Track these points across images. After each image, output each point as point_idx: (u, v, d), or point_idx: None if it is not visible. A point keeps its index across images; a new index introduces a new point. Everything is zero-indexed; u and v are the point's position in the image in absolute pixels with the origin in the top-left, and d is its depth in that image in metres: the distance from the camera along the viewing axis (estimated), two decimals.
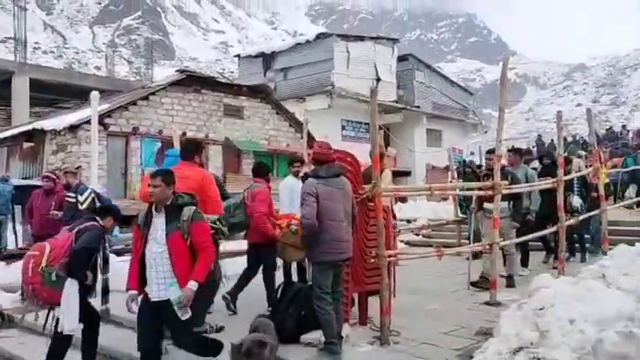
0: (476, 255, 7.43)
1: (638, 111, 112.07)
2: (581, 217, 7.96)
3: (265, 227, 5.40)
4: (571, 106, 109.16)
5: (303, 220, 4.19)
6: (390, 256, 4.81)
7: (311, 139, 16.49)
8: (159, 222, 3.62)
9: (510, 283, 6.69)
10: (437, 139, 25.38)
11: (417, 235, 11.98)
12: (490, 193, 6.06)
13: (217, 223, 4.34)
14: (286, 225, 5.47)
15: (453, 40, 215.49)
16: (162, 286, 3.56)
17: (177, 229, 3.57)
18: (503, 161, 7.18)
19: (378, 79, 21.64)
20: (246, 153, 16.55)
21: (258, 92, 17.36)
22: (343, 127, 21.50)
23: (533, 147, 27.51)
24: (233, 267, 6.65)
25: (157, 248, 3.59)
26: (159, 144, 14.60)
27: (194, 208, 3.68)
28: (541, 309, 3.74)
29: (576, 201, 8.13)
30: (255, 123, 17.12)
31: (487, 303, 5.69)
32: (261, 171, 5.85)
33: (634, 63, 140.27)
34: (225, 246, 6.46)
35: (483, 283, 6.44)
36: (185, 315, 3.54)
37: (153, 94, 15.13)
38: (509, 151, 8.13)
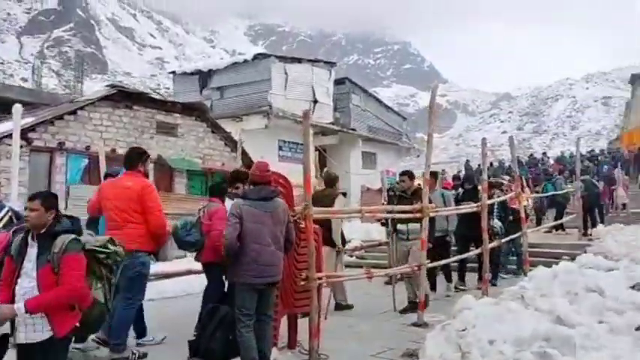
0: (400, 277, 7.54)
1: (558, 139, 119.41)
2: (503, 240, 8.32)
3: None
4: (497, 132, 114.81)
5: (223, 240, 4.18)
6: (320, 278, 4.81)
7: (247, 158, 16.38)
8: (32, 252, 3.08)
9: (407, 310, 6.55)
10: (372, 161, 25.89)
11: (351, 256, 12.07)
12: (403, 216, 6.30)
13: (109, 245, 3.43)
14: None
15: (388, 66, 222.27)
16: (31, 327, 2.99)
17: (47, 262, 3.01)
18: (418, 182, 7.41)
19: (316, 101, 21.88)
20: (180, 172, 16.16)
21: (194, 110, 17.06)
22: (280, 148, 21.49)
23: (459, 171, 28.62)
24: (174, 288, 6.51)
25: (27, 283, 3.03)
26: (86, 160, 14.01)
27: (71, 237, 3.08)
28: (463, 330, 3.86)
29: (496, 224, 8.41)
30: (189, 141, 16.78)
31: (415, 324, 5.79)
32: (218, 191, 5.78)
33: (555, 94, 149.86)
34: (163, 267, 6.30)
35: (412, 308, 6.48)
36: None
37: (81, 108, 14.53)
38: (402, 174, 7.96)
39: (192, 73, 23.09)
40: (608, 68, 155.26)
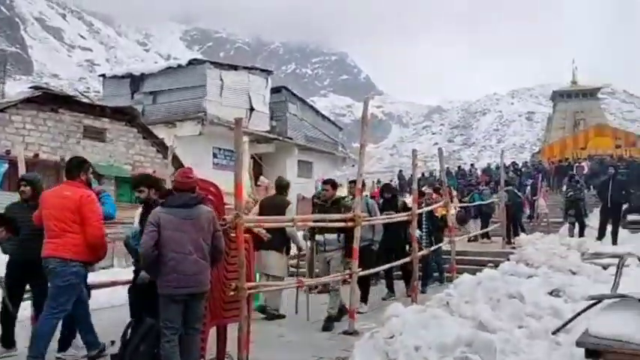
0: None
1: (485, 151, 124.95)
2: (432, 248, 8.55)
3: None
4: (430, 144, 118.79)
5: (139, 250, 4.08)
6: (250, 288, 4.74)
7: (180, 165, 16.00)
8: None
9: (327, 326, 6.20)
10: (308, 170, 26.00)
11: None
12: (322, 224, 6.24)
13: None
14: None
15: (326, 76, 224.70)
16: None
17: None
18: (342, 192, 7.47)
19: (252, 109, 21.74)
20: (108, 178, 15.54)
21: (124, 115, 16.52)
22: (215, 155, 21.17)
23: (391, 181, 29.25)
24: (98, 299, 6.24)
25: None
26: (6, 165, 13.22)
27: None
28: (391, 337, 3.92)
29: (417, 233, 8.36)
30: (118, 147, 16.21)
31: (345, 332, 5.82)
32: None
33: (483, 108, 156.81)
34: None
35: (335, 320, 6.31)
36: None
37: (2, 110, 13.74)
38: (350, 182, 7.94)
39: (123, 77, 22.34)
40: (532, 84, 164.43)
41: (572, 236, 11.73)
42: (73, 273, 4.58)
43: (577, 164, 23.16)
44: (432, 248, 8.67)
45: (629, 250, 5.71)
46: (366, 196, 7.96)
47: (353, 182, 7.66)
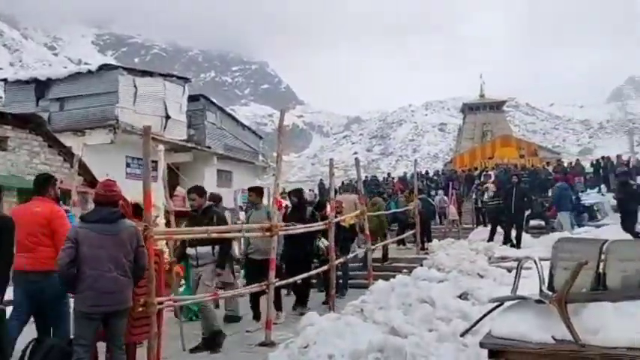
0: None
1: (402, 160, 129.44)
2: (350, 256, 8.66)
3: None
4: (349, 153, 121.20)
5: (56, 267, 3.95)
6: (160, 303, 4.56)
7: (90, 175, 15.19)
8: None
9: (210, 344, 5.66)
10: (228, 179, 25.60)
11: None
12: (191, 236, 5.76)
13: None
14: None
15: (246, 85, 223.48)
16: None
17: None
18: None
19: (168, 117, 21.09)
20: (9, 189, 14.43)
21: (27, 122, 15.42)
22: (128, 165, 20.28)
23: (310, 190, 29.63)
24: None
25: None
26: None
27: None
28: (305, 347, 3.91)
29: (323, 243, 8.14)
30: (21, 156, 15.10)
31: (262, 344, 5.75)
32: (138, 211, 5.54)
33: (399, 119, 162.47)
34: None
35: (205, 345, 5.71)
36: None
37: None
38: (250, 190, 7.63)
39: (27, 82, 20.91)
40: (444, 97, 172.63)
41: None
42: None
43: (485, 173, 24.45)
44: (351, 255, 8.76)
45: (527, 254, 6.08)
46: (267, 204, 7.47)
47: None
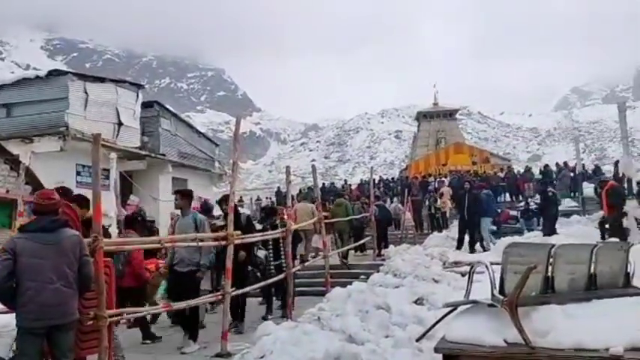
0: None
1: (359, 167, 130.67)
2: (295, 269, 8.55)
3: (143, 271, 6.46)
4: (307, 161, 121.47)
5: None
6: (112, 316, 4.41)
7: (38, 184, 14.61)
8: None
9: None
10: (183, 187, 25.14)
11: None
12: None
13: None
14: (155, 268, 6.45)
15: (202, 91, 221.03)
16: None
17: None
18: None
19: (120, 124, 20.56)
20: None
21: None
22: (79, 173, 19.62)
23: (267, 198, 29.53)
24: None
25: None
26: None
27: None
28: (262, 357, 3.86)
29: (261, 254, 7.85)
30: None
31: (218, 355, 5.65)
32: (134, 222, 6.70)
33: (356, 126, 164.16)
34: None
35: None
36: None
37: None
38: (176, 192, 6.99)
39: None
40: (399, 105, 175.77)
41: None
42: None
43: (439, 180, 24.94)
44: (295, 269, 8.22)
45: (480, 259, 6.23)
46: (195, 212, 6.84)
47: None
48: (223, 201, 7.45)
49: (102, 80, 20.94)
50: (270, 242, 8.05)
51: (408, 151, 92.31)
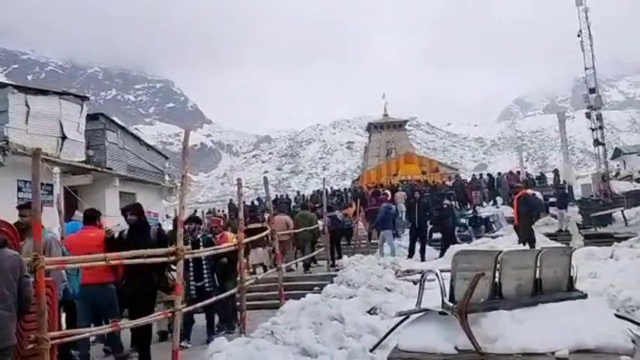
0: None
1: (312, 178, 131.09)
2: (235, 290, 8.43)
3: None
4: (260, 172, 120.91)
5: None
6: (54, 338, 4.19)
7: None
8: None
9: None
10: (131, 202, 24.40)
11: None
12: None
13: None
14: None
15: (151, 103, 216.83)
16: None
17: None
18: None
19: (64, 137, 19.84)
20: None
21: None
22: (20, 189, 18.77)
23: (220, 211, 29.18)
24: None
25: None
26: None
27: None
28: None
29: (172, 275, 6.61)
30: None
31: None
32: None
33: (309, 138, 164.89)
34: None
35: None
36: None
37: None
38: (21, 207, 5.77)
39: None
40: (351, 116, 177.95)
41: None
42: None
43: (382, 191, 25.23)
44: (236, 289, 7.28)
45: (430, 267, 6.34)
46: (45, 229, 5.38)
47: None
48: (127, 210, 6.42)
49: (44, 92, 20.19)
50: (191, 261, 7.05)
51: (360, 161, 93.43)
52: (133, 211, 6.39)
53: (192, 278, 7.21)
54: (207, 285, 7.22)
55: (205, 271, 7.26)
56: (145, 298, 5.88)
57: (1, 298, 3.60)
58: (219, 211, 29.86)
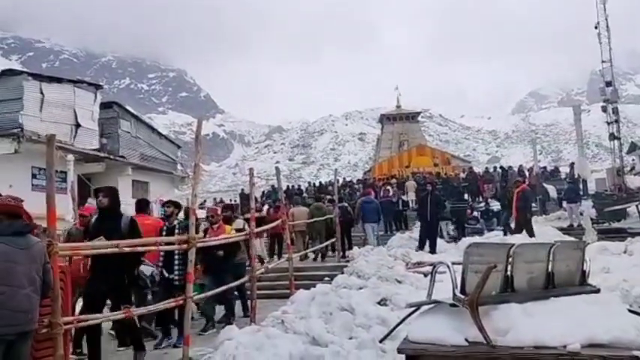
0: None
1: (324, 169, 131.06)
2: (243, 281, 8.32)
3: None
4: (271, 162, 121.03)
5: None
6: (67, 323, 4.26)
7: None
8: None
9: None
10: (144, 190, 24.61)
11: None
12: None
13: None
14: None
15: (164, 92, 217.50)
16: None
17: None
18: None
19: (78, 125, 20.01)
20: None
21: None
22: (34, 176, 19.00)
23: (231, 200, 29.28)
24: None
25: None
26: None
27: None
28: None
29: (147, 270, 6.54)
30: None
31: None
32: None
33: (320, 129, 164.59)
34: None
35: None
36: None
37: None
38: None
39: None
40: (363, 108, 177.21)
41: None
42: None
43: (405, 182, 25.24)
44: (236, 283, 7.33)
45: (442, 259, 6.32)
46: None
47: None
48: (100, 191, 5.70)
49: (59, 80, 20.37)
50: (161, 253, 6.57)
51: (371, 153, 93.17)
52: (105, 193, 5.60)
53: (162, 268, 6.64)
54: (176, 279, 6.46)
55: (177, 263, 6.54)
56: (115, 291, 5.31)
57: (32, 281, 3.70)
58: (231, 200, 29.95)
